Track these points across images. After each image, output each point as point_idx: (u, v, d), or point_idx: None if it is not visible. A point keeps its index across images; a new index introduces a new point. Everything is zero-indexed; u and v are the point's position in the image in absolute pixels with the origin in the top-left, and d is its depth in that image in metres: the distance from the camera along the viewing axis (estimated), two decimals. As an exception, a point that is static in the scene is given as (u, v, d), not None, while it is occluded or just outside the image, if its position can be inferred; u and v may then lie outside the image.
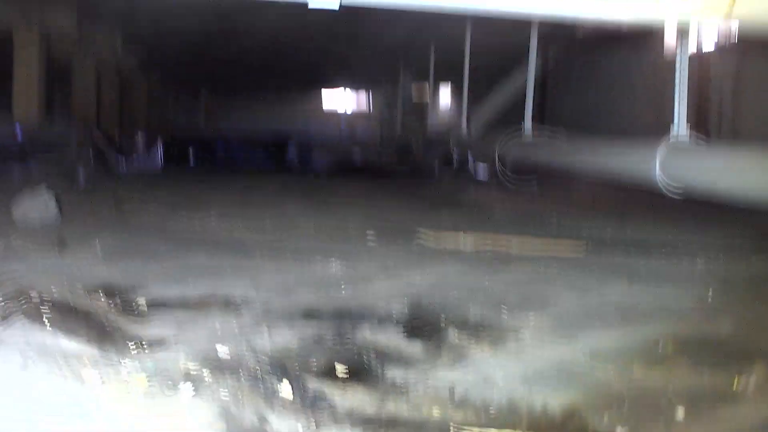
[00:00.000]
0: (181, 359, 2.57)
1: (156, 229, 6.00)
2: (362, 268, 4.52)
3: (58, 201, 6.28)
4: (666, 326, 3.42)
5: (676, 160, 5.51)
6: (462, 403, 2.41)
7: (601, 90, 11.94)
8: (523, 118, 9.24)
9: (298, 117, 19.59)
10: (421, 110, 18.52)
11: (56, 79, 12.35)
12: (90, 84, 11.80)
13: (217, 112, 19.16)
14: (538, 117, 10.96)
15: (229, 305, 3.54)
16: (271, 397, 2.36)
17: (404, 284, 4.09)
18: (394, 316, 3.45)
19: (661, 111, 10.24)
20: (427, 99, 18.09)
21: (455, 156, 11.45)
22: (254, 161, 16.04)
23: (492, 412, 2.36)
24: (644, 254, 5.43)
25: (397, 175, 13.29)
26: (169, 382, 2.34)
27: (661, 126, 10.09)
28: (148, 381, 2.35)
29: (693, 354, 3.01)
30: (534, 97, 9.28)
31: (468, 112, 13.43)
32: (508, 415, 2.34)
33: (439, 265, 4.73)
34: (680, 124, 5.95)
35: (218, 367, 2.50)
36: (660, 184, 5.63)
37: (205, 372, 2.44)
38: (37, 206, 6.09)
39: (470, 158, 13.78)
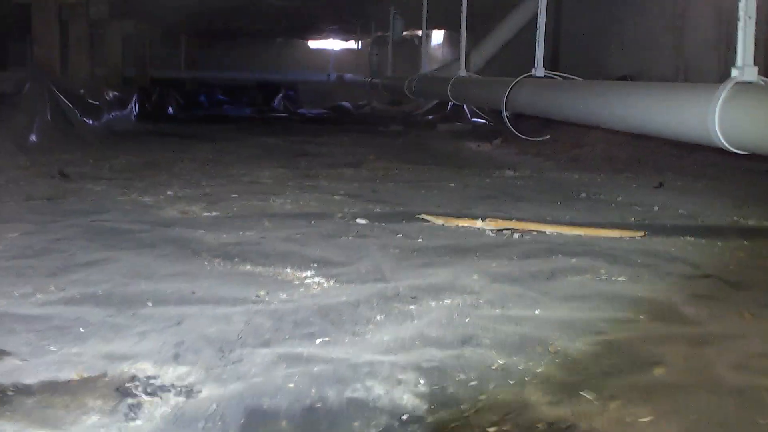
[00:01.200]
0: None
1: (90, 217, 4.37)
2: (346, 295, 2.88)
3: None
4: None
5: (740, 107, 3.96)
6: None
7: (619, 30, 10.19)
8: (532, 61, 7.61)
9: (285, 63, 17.72)
10: (413, 54, 16.76)
11: (12, 21, 10.62)
12: (53, 27, 9.99)
13: (198, 60, 17.28)
14: (550, 61, 9.28)
15: (120, 399, 1.94)
16: None
17: (412, 329, 2.48)
18: (404, 419, 1.86)
19: (683, 55, 8.60)
20: (421, 41, 16.34)
21: (452, 101, 9.74)
22: (237, 111, 14.31)
23: None
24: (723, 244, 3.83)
25: (389, 124, 11.60)
26: None
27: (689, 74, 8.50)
28: None
29: None
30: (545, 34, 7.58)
31: (468, 51, 11.76)
32: None
33: (463, 281, 3.10)
34: (746, 61, 4.28)
35: None
36: (718, 138, 4.06)
37: None
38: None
39: (467, 108, 12.17)
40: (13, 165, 6.61)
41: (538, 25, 7.46)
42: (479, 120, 12.15)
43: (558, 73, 7.38)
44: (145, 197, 5.12)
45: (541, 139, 7.74)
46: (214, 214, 4.55)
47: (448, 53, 14.87)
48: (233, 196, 5.18)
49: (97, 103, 10.01)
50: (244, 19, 13.65)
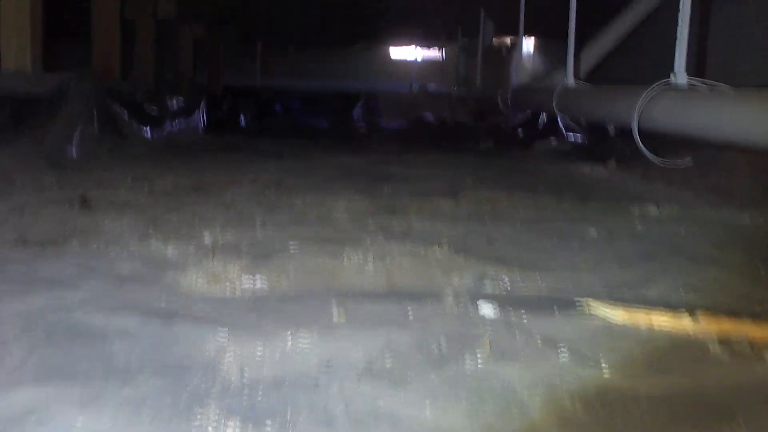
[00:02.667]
0: None
1: (62, 294, 2.63)
2: None
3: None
4: None
5: None
6: None
7: None
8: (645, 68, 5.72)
9: (364, 72, 15.85)
10: (499, 63, 14.76)
11: (69, 18, 9.04)
12: (114, 25, 8.33)
13: (275, 67, 15.49)
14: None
15: None
16: None
17: None
18: None
19: None
20: (509, 50, 14.30)
21: (558, 115, 7.82)
22: (314, 122, 12.58)
23: None
24: None
25: (479, 140, 9.69)
26: None
27: None
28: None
29: None
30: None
31: (577, 54, 9.79)
32: None
33: None
34: None
35: None
36: None
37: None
38: None
39: (561, 120, 10.22)
40: (33, 186, 4.98)
41: (680, 20, 5.55)
42: (574, 136, 10.22)
43: (704, 80, 5.46)
44: (170, 246, 3.37)
45: (682, 163, 5.80)
46: (257, 284, 2.77)
47: (539, 63, 12.90)
48: (292, 246, 3.40)
49: (158, 111, 8.37)
50: (323, 22, 11.89)
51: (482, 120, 13.42)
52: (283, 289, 2.72)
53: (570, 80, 7.32)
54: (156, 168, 6.07)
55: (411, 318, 2.36)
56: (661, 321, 2.34)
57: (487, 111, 13.24)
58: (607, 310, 2.43)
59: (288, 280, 2.82)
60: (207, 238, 3.57)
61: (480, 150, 8.66)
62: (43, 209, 4.23)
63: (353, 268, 3.03)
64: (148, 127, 8.11)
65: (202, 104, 10.07)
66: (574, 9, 7.06)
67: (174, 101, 9.01)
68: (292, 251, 3.31)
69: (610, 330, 2.31)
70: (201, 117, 9.91)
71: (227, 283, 2.77)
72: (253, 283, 2.77)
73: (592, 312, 2.44)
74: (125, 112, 7.58)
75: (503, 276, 2.94)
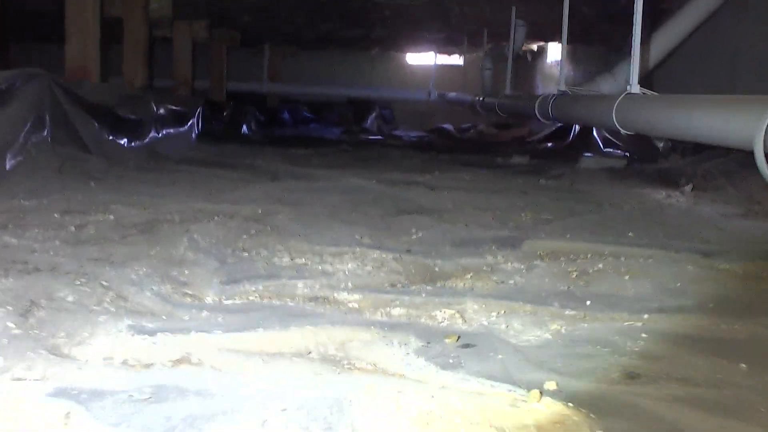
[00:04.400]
0: None
1: None
2: None
3: None
4: None
5: None
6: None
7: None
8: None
9: (379, 79, 13.96)
10: (526, 71, 12.91)
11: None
12: (91, 18, 6.48)
13: (283, 72, 13.61)
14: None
15: None
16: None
17: None
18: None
19: None
20: (543, 51, 12.47)
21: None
22: (324, 132, 10.72)
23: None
24: None
25: (509, 155, 7.77)
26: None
27: None
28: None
29: None
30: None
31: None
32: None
33: None
34: None
35: None
36: None
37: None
38: None
39: (598, 135, 8.38)
40: None
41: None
42: (614, 151, 8.34)
43: None
44: (7, 378, 1.53)
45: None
46: None
47: (571, 71, 11.02)
48: (245, 393, 1.55)
49: (135, 117, 6.52)
50: (335, 23, 10.02)
51: (506, 130, 11.57)
52: None
53: (634, 87, 5.41)
54: (107, 193, 4.21)
55: None
56: None
57: (512, 121, 11.40)
58: None
59: None
60: (96, 352, 1.74)
61: (515, 168, 6.77)
62: None
63: None
64: (125, 136, 6.26)
65: (199, 111, 8.21)
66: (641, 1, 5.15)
67: (162, 107, 7.15)
68: (242, 406, 1.47)
69: None
70: (196, 125, 8.05)
71: None
72: None
73: None
74: (93, 118, 5.75)
75: None
